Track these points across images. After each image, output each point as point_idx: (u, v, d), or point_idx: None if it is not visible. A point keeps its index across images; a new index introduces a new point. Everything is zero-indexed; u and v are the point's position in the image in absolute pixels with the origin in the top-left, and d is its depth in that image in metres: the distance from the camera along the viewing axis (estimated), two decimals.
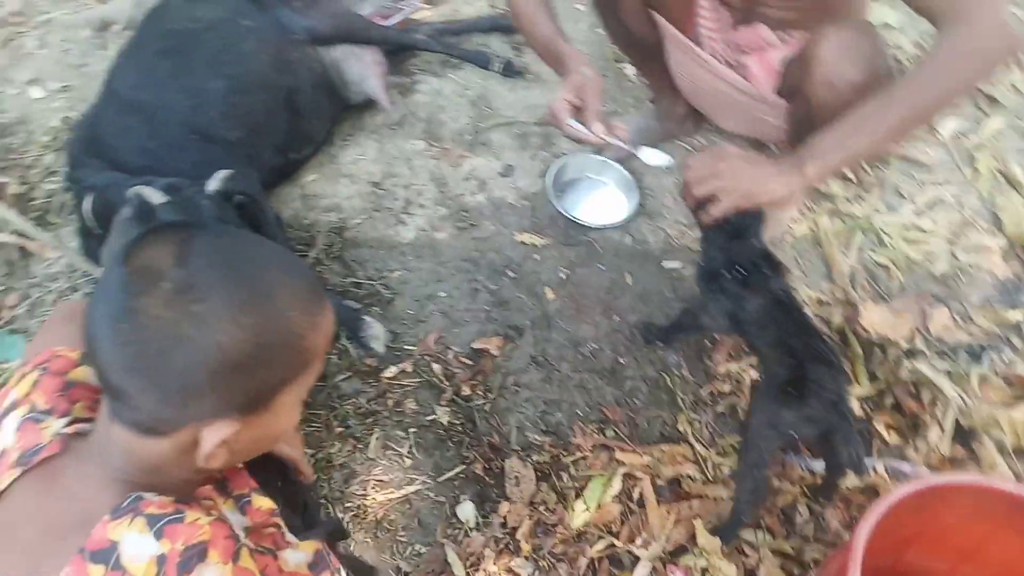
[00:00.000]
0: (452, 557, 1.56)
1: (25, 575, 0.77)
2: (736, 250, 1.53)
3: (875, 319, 1.89)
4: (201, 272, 0.76)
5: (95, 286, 0.81)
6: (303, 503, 1.43)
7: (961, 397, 1.72)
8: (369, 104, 2.31)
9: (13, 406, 0.92)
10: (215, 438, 0.79)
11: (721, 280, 1.55)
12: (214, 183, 1.66)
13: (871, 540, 1.19)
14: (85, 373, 0.97)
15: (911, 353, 1.83)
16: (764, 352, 1.52)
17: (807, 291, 1.95)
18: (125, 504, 0.78)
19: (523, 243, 2.04)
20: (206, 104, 1.91)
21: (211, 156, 1.87)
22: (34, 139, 2.30)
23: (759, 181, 1.39)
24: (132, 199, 1.58)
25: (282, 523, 0.99)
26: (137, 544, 0.75)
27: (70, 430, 0.87)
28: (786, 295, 1.54)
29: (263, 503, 1.01)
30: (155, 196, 1.56)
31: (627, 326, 1.89)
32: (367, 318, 1.83)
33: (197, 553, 0.75)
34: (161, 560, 0.74)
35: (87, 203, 1.73)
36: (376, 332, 1.82)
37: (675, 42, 1.87)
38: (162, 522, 0.76)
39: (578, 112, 1.54)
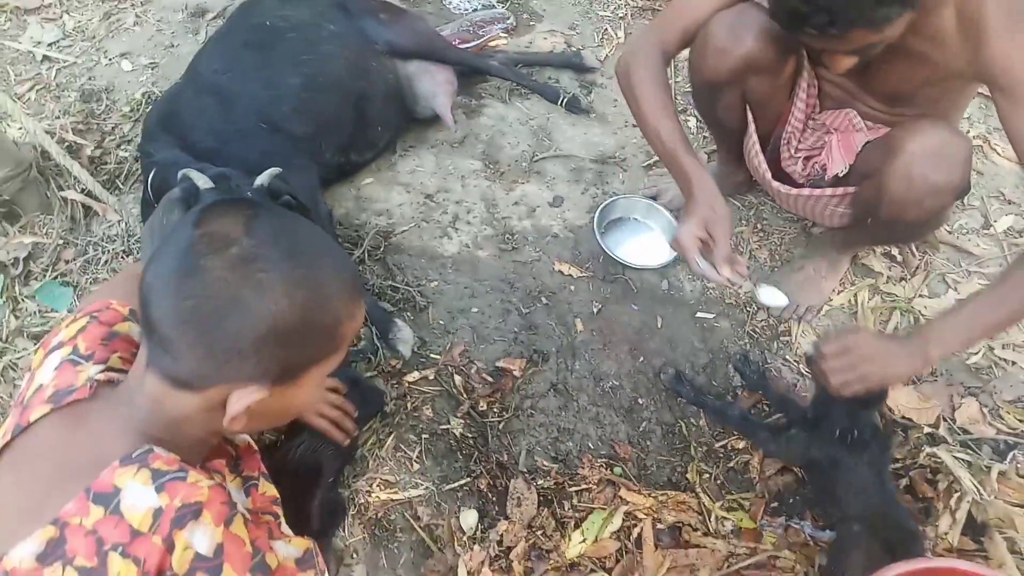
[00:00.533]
0: (459, 566, 1.58)
1: (35, 504, 0.81)
2: (854, 416, 1.58)
3: (902, 400, 1.87)
4: (266, 245, 0.83)
5: (160, 244, 0.88)
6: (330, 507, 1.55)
7: (978, 490, 1.69)
8: (434, 120, 2.38)
9: (59, 345, 0.98)
10: (245, 401, 0.84)
11: (823, 433, 1.60)
12: (262, 179, 1.73)
13: None
14: (130, 328, 1.04)
15: (933, 439, 1.80)
16: (847, 505, 1.56)
17: None
18: (135, 454, 0.82)
19: (561, 272, 2.07)
20: (280, 98, 2.00)
21: (277, 147, 1.96)
22: (116, 108, 2.43)
23: (891, 368, 1.43)
24: (182, 180, 1.66)
25: (281, 513, 1.03)
26: (138, 494, 0.79)
27: (102, 377, 0.93)
28: (885, 465, 1.62)
29: (268, 489, 1.05)
30: (201, 180, 1.63)
31: (651, 368, 1.91)
32: (399, 321, 1.87)
33: (192, 512, 0.80)
34: (157, 513, 0.79)
35: (151, 177, 1.83)
36: (406, 336, 1.86)
37: (756, 147, 1.90)
38: (165, 478, 0.81)
39: (704, 246, 1.55)
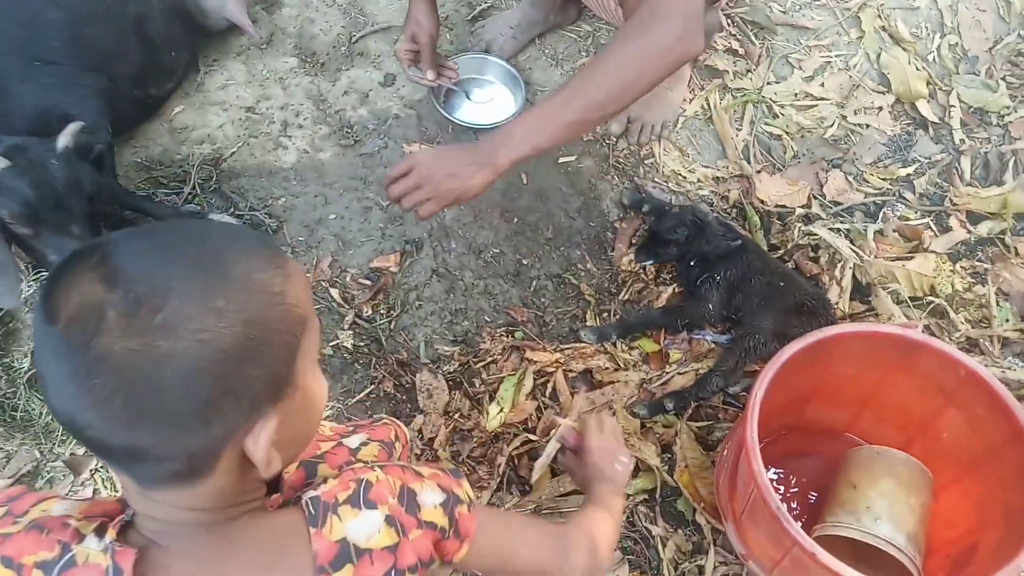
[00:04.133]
0: None
1: None
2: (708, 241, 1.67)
3: (771, 190, 1.89)
4: (140, 280, 0.63)
5: (35, 364, 0.67)
6: None
7: (858, 254, 1.74)
8: (233, 27, 2.15)
9: (20, 568, 0.72)
10: (264, 441, 0.67)
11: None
12: (64, 139, 1.52)
13: (771, 400, 1.20)
14: (47, 507, 0.77)
15: (808, 218, 1.84)
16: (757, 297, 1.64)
17: (703, 170, 1.93)
18: (313, 514, 0.74)
19: (412, 154, 1.95)
20: (45, 35, 1.74)
21: (58, 77, 1.72)
22: None
23: (459, 182, 1.34)
24: None
25: None
26: (363, 523, 0.74)
27: (110, 536, 0.70)
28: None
29: None
30: None
31: (527, 226, 1.85)
32: (213, 216, 1.82)
33: (406, 492, 0.78)
34: (391, 520, 0.75)
35: None
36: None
37: None
38: (362, 495, 0.76)
39: (416, 56, 1.80)
